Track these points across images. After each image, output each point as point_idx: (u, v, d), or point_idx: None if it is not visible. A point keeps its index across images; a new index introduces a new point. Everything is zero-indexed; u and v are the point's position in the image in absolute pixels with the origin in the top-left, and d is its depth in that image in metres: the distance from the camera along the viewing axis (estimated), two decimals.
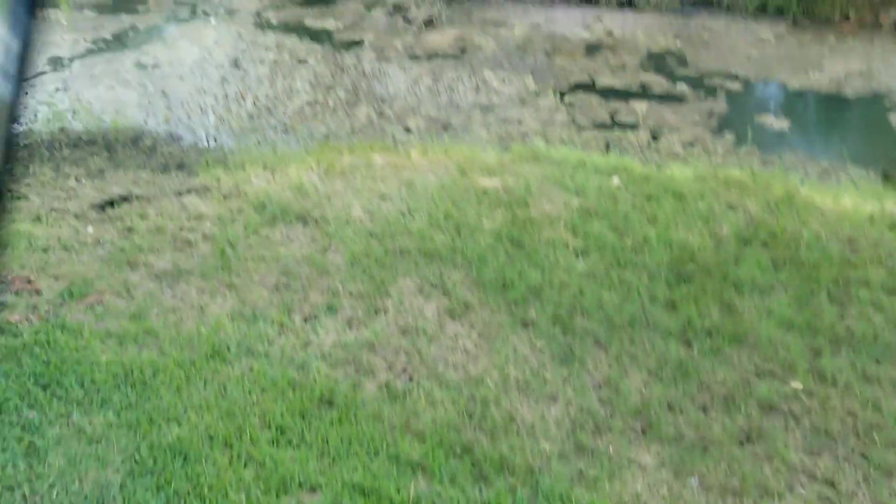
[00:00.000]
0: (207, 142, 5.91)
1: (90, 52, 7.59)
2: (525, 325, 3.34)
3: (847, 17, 8.23)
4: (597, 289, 3.58)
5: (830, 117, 6.53)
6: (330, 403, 2.78)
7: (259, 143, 5.84)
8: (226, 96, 6.71)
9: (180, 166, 5.22)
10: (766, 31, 8.14)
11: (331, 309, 3.36)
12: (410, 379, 2.97)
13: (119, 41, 7.92)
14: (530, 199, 4.42)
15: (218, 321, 3.19)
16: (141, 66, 7.32)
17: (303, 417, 2.69)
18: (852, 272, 3.77)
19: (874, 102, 6.60)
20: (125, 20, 8.50)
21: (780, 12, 8.46)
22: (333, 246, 3.89)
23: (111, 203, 4.33)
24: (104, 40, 7.90)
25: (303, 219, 4.15)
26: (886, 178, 5.39)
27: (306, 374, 2.92)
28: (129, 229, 3.97)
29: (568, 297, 3.51)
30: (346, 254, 3.80)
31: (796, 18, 8.36)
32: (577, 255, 3.88)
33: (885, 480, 2.55)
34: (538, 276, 3.66)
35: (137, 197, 4.45)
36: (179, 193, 4.51)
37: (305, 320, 3.28)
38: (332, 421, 2.68)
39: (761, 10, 8.57)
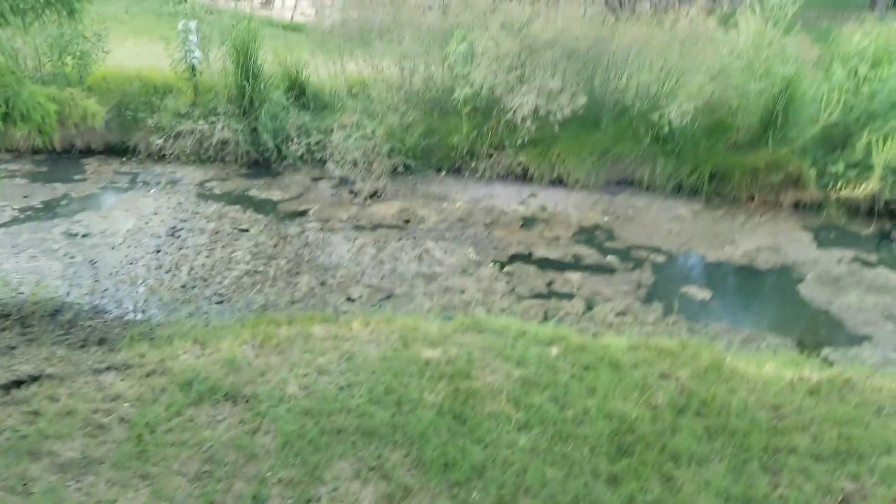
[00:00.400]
0: (134, 315, 5.75)
1: (16, 220, 7.56)
2: None
3: (752, 198, 9.17)
4: (540, 465, 3.60)
5: (747, 288, 7.06)
6: None
7: (191, 315, 5.74)
8: (159, 266, 6.70)
9: (101, 341, 5.02)
10: (684, 208, 8.94)
11: (257, 500, 3.19)
12: None
13: (49, 210, 7.92)
14: (473, 370, 4.51)
15: None
16: (70, 235, 7.30)
17: None
18: (780, 440, 3.93)
19: (784, 274, 7.21)
20: (59, 189, 8.58)
21: (694, 192, 9.37)
22: (264, 426, 3.76)
23: (18, 383, 4.07)
24: (33, 209, 7.90)
25: (232, 397, 4.02)
26: (801, 344, 5.78)
27: None
28: (35, 413, 3.73)
29: (511, 476, 3.50)
30: (278, 435, 3.67)
31: (709, 197, 9.25)
32: (519, 430, 3.93)
33: None
34: (481, 453, 3.66)
35: (49, 376, 4.19)
36: (97, 371, 4.30)
37: None
38: None
39: (677, 190, 9.46)
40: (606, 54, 9.91)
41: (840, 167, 8.80)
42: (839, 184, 8.75)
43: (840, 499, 3.46)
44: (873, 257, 7.66)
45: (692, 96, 9.49)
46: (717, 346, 5.30)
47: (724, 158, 9.36)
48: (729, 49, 9.34)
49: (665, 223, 8.41)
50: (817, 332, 6.07)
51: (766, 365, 4.90)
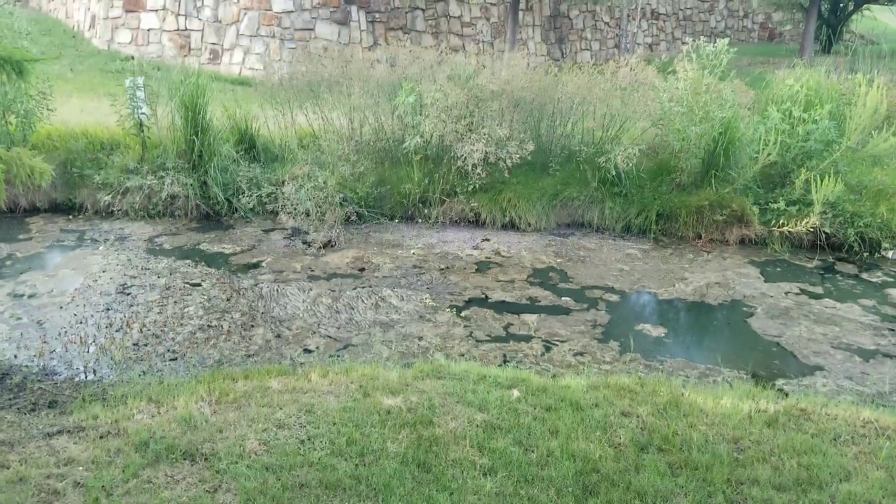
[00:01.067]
0: (86, 375, 5.54)
1: None
2: None
3: (699, 236, 9.46)
4: None
5: (700, 324, 7.21)
6: None
7: (144, 373, 5.56)
8: (110, 325, 6.48)
9: (52, 404, 4.85)
10: (633, 248, 9.15)
11: None
12: None
13: None
14: (434, 416, 4.45)
15: None
16: (16, 296, 7.04)
17: None
18: (742, 472, 3.96)
19: (734, 309, 7.39)
20: (3, 249, 8.31)
21: (642, 232, 9.62)
22: (225, 484, 3.64)
23: None
24: None
25: (190, 456, 3.89)
26: (756, 377, 5.89)
27: None
28: None
29: None
30: (239, 493, 3.56)
31: (657, 237, 9.51)
32: (484, 475, 3.86)
33: None
34: (447, 500, 3.58)
35: None
36: (49, 435, 4.14)
37: None
38: None
39: (626, 230, 9.71)
40: (551, 103, 10.24)
41: (781, 204, 9.19)
42: (781, 220, 9.12)
43: None
44: (819, 289, 7.94)
45: (635, 141, 9.85)
46: (674, 382, 5.36)
47: (669, 199, 9.67)
48: (669, 95, 9.76)
49: (616, 263, 8.57)
50: (770, 364, 6.21)
51: (724, 398, 4.96)
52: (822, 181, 8.83)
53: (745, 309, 7.36)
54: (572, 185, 9.93)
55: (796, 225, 8.94)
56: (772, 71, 12.29)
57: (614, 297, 7.54)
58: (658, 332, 6.78)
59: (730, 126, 9.44)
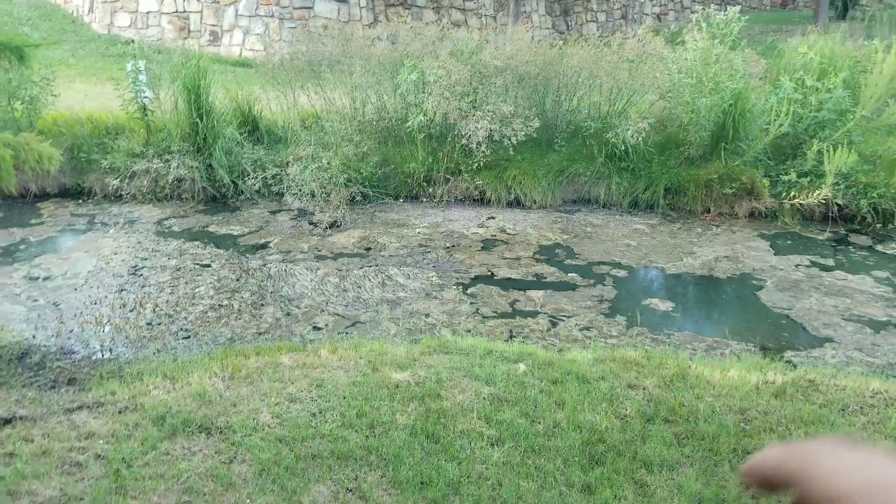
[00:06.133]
0: (102, 354, 5.64)
1: None
2: None
3: (708, 210, 9.39)
4: (514, 478, 3.56)
5: (708, 297, 7.18)
6: None
7: (159, 351, 5.65)
8: (123, 305, 6.56)
9: (71, 381, 4.95)
10: (640, 223, 9.10)
11: None
12: None
13: (8, 255, 7.72)
14: (442, 390, 4.48)
15: None
16: (31, 278, 7.12)
17: None
18: (748, 442, 3.96)
19: (742, 282, 7.35)
20: (16, 233, 8.40)
21: (650, 207, 9.56)
22: (240, 456, 3.71)
23: None
24: None
25: (206, 429, 3.97)
26: (764, 349, 5.87)
27: None
28: (11, 454, 3.66)
29: (487, 490, 3.46)
30: (254, 463, 3.63)
31: (665, 212, 9.45)
32: (492, 445, 3.89)
33: None
34: (455, 470, 3.61)
35: (21, 418, 4.12)
36: (69, 411, 4.24)
37: None
38: None
39: (633, 206, 9.65)
40: (557, 77, 10.14)
41: (792, 176, 9.08)
42: (792, 192, 9.02)
43: None
44: (830, 261, 7.89)
45: (644, 114, 9.74)
46: (681, 355, 5.35)
47: (677, 173, 9.59)
48: (677, 66, 9.62)
49: (623, 238, 8.53)
50: (779, 336, 6.18)
51: (731, 370, 4.96)
52: (834, 152, 8.71)
53: (754, 282, 7.32)
54: (578, 161, 9.86)
55: (807, 197, 8.85)
56: (785, 39, 12.06)
57: (621, 273, 7.52)
58: (665, 306, 6.76)
59: (740, 97, 9.30)
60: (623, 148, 9.52)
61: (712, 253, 8.07)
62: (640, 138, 9.32)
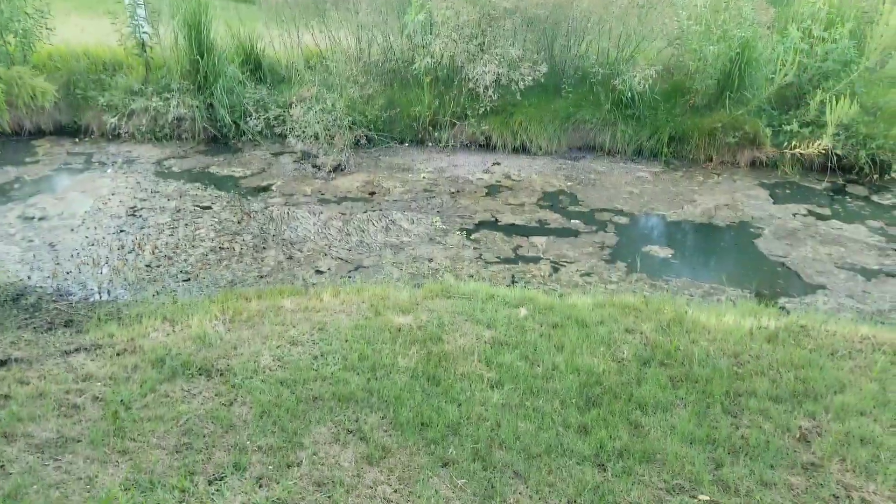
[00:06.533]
0: (100, 296, 5.64)
1: None
2: (445, 464, 3.34)
3: (710, 158, 9.37)
4: (513, 419, 3.69)
5: (707, 244, 7.24)
6: None
7: (158, 293, 5.66)
8: (122, 247, 6.57)
9: (68, 323, 4.93)
10: (644, 171, 9.09)
11: (238, 467, 3.19)
12: None
13: (3, 194, 7.69)
14: (444, 334, 4.58)
15: (109, 493, 2.93)
16: (27, 218, 7.10)
17: None
18: (740, 384, 4.10)
19: (742, 230, 7.41)
20: (10, 172, 8.34)
21: (654, 155, 9.53)
22: (240, 398, 3.76)
23: None
24: None
25: (206, 371, 4.00)
26: (759, 295, 5.98)
27: None
28: (6, 397, 3.67)
29: (486, 431, 3.58)
30: (255, 406, 3.68)
31: (668, 160, 9.43)
32: (491, 388, 4.01)
33: None
34: (455, 411, 3.73)
35: (17, 360, 4.12)
36: (66, 353, 4.23)
37: (210, 483, 3.08)
38: None
39: (637, 154, 9.62)
40: (566, 21, 9.93)
41: (794, 126, 9.05)
42: (793, 142, 9.00)
43: (798, 436, 3.63)
44: (826, 210, 7.93)
45: (651, 61, 9.60)
46: (679, 301, 5.45)
47: (682, 121, 9.53)
48: (687, 13, 9.44)
49: (626, 186, 8.54)
50: (774, 283, 6.28)
51: (726, 316, 5.06)
52: (837, 102, 8.65)
53: (752, 230, 7.38)
54: (585, 108, 9.77)
55: (808, 147, 8.82)
56: None
57: (623, 220, 7.57)
58: (665, 252, 6.84)
59: (748, 45, 9.17)
60: (630, 95, 9.42)
61: (713, 201, 8.10)
62: (646, 85, 9.22)
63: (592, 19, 9.88)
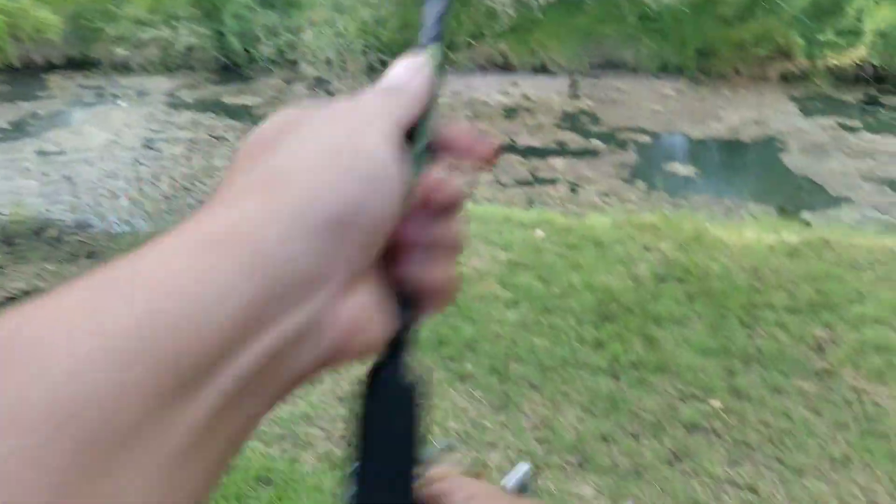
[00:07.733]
0: (120, 227, 5.69)
1: None
2: (462, 378, 3.41)
3: (738, 72, 9.02)
4: (528, 336, 3.74)
5: (730, 161, 7.07)
6: (267, 482, 2.73)
7: (177, 224, 5.74)
8: (138, 178, 6.57)
9: (90, 255, 4.98)
10: (668, 87, 8.80)
11: None
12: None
13: (18, 129, 7.71)
14: (460, 256, 4.59)
15: None
16: (43, 153, 7.11)
17: (238, 501, 2.61)
18: (757, 297, 4.07)
19: (767, 145, 7.20)
20: (24, 107, 8.33)
21: (679, 70, 9.20)
22: None
23: (11, 300, 4.07)
24: (1, 129, 7.68)
25: None
26: (782, 211, 5.87)
27: (240, 455, 2.86)
28: None
29: (502, 348, 3.64)
30: None
31: (694, 75, 9.10)
32: (507, 307, 4.04)
33: (798, 479, 2.75)
34: (472, 329, 3.78)
35: (42, 291, 4.24)
36: None
37: None
38: (270, 500, 2.63)
39: (662, 69, 9.29)
40: None
41: (830, 34, 8.63)
42: (827, 52, 8.61)
43: (813, 345, 3.63)
44: (857, 122, 7.65)
45: None
46: (699, 218, 5.37)
47: (710, 34, 9.13)
48: None
49: (649, 104, 8.30)
50: (798, 198, 6.15)
51: (747, 232, 4.99)
52: (877, 5, 8.20)
53: (778, 145, 7.17)
54: (607, 23, 9.41)
55: (843, 57, 8.44)
56: None
57: (645, 139, 7.39)
58: (687, 170, 6.70)
59: None
60: (655, 7, 9.03)
61: (739, 117, 7.85)
62: None
63: None
